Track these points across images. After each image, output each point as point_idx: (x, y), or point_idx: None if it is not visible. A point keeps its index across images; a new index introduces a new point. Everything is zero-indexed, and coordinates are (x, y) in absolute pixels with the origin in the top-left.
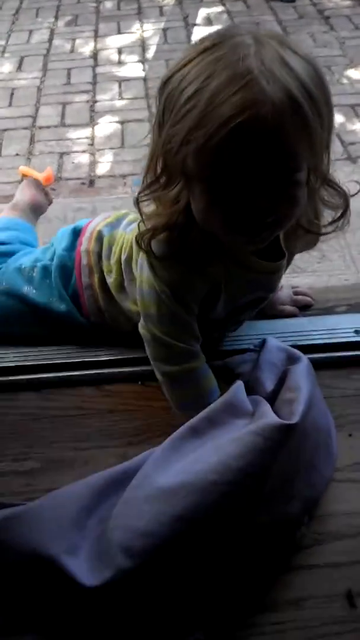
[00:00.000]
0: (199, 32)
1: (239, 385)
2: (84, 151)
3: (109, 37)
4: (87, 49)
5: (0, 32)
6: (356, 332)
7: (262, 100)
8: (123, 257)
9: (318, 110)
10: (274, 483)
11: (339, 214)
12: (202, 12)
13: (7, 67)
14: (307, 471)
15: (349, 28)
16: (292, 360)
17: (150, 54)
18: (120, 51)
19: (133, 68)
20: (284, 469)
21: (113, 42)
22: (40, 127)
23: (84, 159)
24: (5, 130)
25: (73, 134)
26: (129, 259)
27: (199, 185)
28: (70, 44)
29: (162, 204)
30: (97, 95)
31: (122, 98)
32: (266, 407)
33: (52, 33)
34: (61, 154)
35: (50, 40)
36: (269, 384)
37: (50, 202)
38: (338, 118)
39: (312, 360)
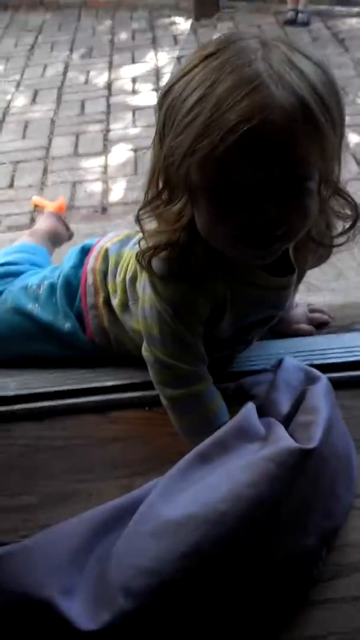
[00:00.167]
0: None
1: (250, 407)
2: (96, 179)
3: (123, 67)
4: (101, 79)
5: (15, 67)
6: None
7: (271, 105)
8: (128, 276)
9: (330, 115)
10: (289, 513)
11: (349, 225)
12: None
13: (22, 100)
14: (325, 500)
15: None
16: (310, 380)
17: (164, 82)
18: (134, 80)
19: (147, 96)
20: (300, 498)
21: (127, 72)
22: (54, 158)
23: (97, 187)
24: (18, 162)
25: (86, 163)
26: (134, 278)
27: (204, 197)
28: (84, 76)
29: (164, 220)
30: (110, 125)
31: (135, 126)
32: (281, 430)
33: (66, 66)
34: (74, 183)
35: (64, 72)
36: (285, 406)
37: (70, 236)
38: (353, 138)
39: (330, 380)
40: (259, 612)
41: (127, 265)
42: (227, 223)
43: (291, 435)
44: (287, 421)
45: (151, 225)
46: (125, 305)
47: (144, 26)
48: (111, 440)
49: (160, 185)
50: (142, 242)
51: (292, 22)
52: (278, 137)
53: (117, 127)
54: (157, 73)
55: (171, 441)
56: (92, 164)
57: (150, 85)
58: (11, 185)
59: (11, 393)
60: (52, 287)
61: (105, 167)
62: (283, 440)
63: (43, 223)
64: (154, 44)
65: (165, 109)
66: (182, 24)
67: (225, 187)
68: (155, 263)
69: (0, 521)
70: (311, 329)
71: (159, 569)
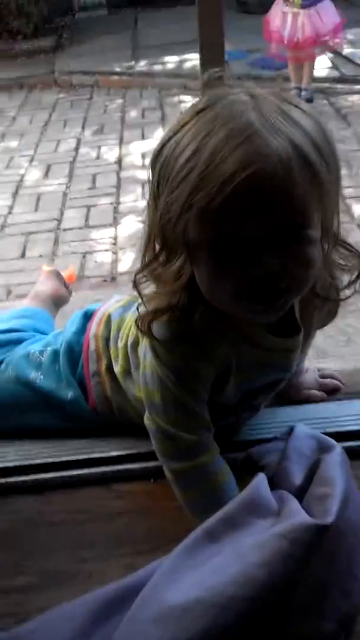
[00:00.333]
0: None
1: (260, 479)
2: (106, 250)
3: (133, 143)
4: (112, 155)
5: (29, 142)
6: None
7: (266, 154)
8: (129, 342)
9: (326, 162)
10: (304, 595)
11: (354, 276)
12: None
13: (35, 174)
14: (343, 580)
15: None
16: (323, 449)
17: None
18: (143, 156)
19: None
20: (316, 578)
21: (137, 147)
22: (65, 229)
23: (107, 257)
24: (30, 233)
25: (96, 234)
26: (136, 343)
27: (203, 253)
28: (96, 151)
29: (163, 282)
30: (120, 197)
31: (145, 199)
32: (294, 504)
33: (78, 142)
34: (84, 254)
35: (77, 148)
36: (298, 477)
37: (70, 294)
38: (357, 209)
39: (343, 449)
40: None
41: (129, 331)
42: (228, 278)
43: (305, 509)
44: (300, 493)
45: (150, 289)
46: (127, 372)
47: (154, 104)
48: (114, 515)
49: (157, 247)
50: (141, 307)
51: None
52: (275, 186)
53: (127, 200)
54: None
55: (177, 516)
56: (103, 235)
57: None
58: (22, 256)
59: (10, 464)
60: (55, 354)
61: (115, 238)
62: (297, 515)
63: (44, 285)
64: (163, 121)
65: (159, 168)
66: (190, 102)
67: (224, 241)
68: (156, 327)
69: None
70: (322, 395)
71: None
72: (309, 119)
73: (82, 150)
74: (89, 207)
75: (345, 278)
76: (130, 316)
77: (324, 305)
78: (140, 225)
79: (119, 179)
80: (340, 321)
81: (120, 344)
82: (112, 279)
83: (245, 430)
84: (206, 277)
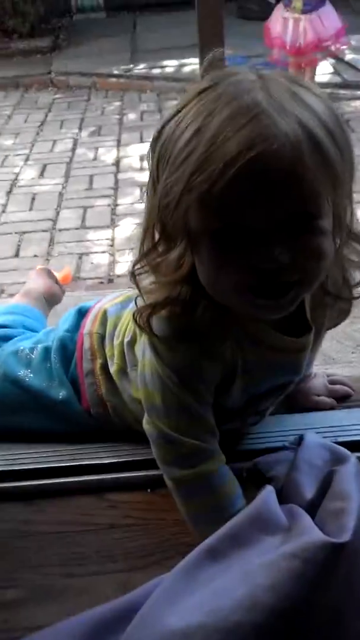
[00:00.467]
0: None
1: (268, 492)
2: (103, 252)
3: (131, 145)
4: (109, 156)
5: (24, 142)
6: None
7: (274, 134)
8: (126, 340)
9: (339, 148)
10: (319, 619)
11: None
12: None
13: (30, 173)
14: None
15: None
16: (337, 460)
17: None
18: (142, 158)
19: None
20: (331, 601)
21: (135, 150)
22: (60, 230)
23: (104, 259)
24: (24, 232)
25: (93, 235)
26: (133, 341)
27: (205, 241)
28: (93, 153)
29: (162, 272)
30: (118, 199)
31: (143, 201)
32: (306, 519)
33: (75, 143)
34: (80, 255)
35: (73, 149)
36: (309, 490)
37: (63, 292)
38: None
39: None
40: None
41: (126, 328)
42: (232, 270)
43: (318, 525)
44: (312, 508)
45: (149, 281)
46: (123, 372)
47: (152, 107)
48: (107, 527)
49: (157, 236)
50: (139, 301)
51: None
52: (283, 169)
53: (125, 202)
54: None
55: (177, 530)
56: (100, 237)
57: None
58: (16, 255)
59: None
60: (46, 351)
61: (113, 239)
62: (310, 532)
63: (35, 283)
64: None
65: (159, 149)
66: None
67: (227, 230)
68: (156, 323)
69: None
70: (332, 402)
71: None
72: (321, 103)
73: (79, 151)
74: (85, 208)
75: (359, 275)
76: (128, 312)
77: (336, 304)
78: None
79: (116, 180)
80: (349, 326)
81: (117, 342)
82: (109, 280)
83: (251, 439)
84: (208, 268)
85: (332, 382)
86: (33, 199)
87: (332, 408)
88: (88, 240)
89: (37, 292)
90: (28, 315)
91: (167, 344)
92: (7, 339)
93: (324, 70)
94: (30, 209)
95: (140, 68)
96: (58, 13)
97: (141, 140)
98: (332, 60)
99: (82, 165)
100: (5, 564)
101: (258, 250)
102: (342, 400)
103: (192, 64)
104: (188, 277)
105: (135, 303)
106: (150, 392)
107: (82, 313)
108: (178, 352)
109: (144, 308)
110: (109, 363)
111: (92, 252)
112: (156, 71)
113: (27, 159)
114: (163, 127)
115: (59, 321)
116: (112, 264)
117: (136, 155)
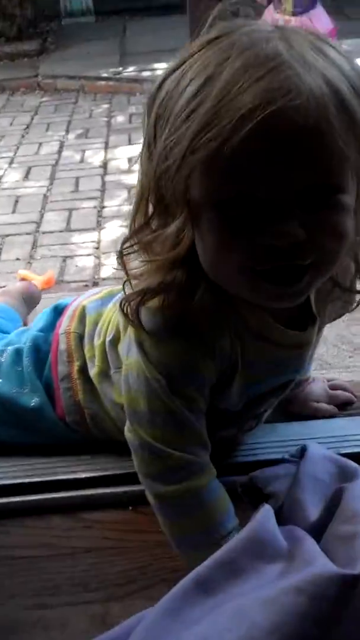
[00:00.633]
0: None
1: (266, 512)
2: (88, 254)
3: (119, 147)
4: (96, 159)
5: (9, 145)
6: None
7: (298, 88)
8: (108, 339)
9: None
10: None
11: None
12: None
13: (14, 176)
14: None
15: None
16: (346, 474)
17: None
18: (130, 160)
19: None
20: None
21: (123, 152)
22: (44, 233)
23: (89, 262)
24: (7, 236)
25: (78, 238)
26: (116, 340)
27: (209, 214)
28: (80, 155)
29: (156, 252)
30: (105, 202)
31: (130, 204)
32: (311, 545)
33: (61, 145)
34: (64, 258)
35: (59, 151)
36: (314, 509)
37: (40, 296)
38: None
39: None
40: None
41: (108, 326)
42: (239, 250)
43: (326, 552)
44: (318, 531)
45: (139, 264)
46: (105, 374)
47: (141, 110)
48: (83, 550)
49: (151, 209)
50: (127, 286)
51: None
52: (308, 128)
53: (112, 205)
54: None
55: (160, 553)
56: (85, 239)
57: None
58: None
59: None
60: (17, 354)
61: (98, 242)
62: (316, 561)
63: (14, 284)
64: None
65: (158, 106)
66: None
67: (237, 201)
68: (145, 315)
69: None
70: (333, 409)
71: None
72: (346, 61)
73: (65, 153)
74: (70, 211)
75: None
76: (110, 310)
77: (342, 296)
78: (125, 230)
79: (103, 182)
80: (345, 329)
81: (97, 342)
82: (94, 284)
83: (246, 449)
84: (211, 247)
85: (333, 388)
86: (16, 201)
87: (332, 416)
88: (73, 243)
89: (17, 291)
90: (1, 316)
91: (156, 339)
92: None
93: None
94: (14, 212)
95: (130, 71)
96: (47, 17)
97: (129, 143)
98: None
99: (69, 167)
100: None
101: (271, 225)
102: (343, 407)
103: None
104: (186, 257)
105: (124, 289)
106: (134, 396)
107: (58, 311)
108: (169, 348)
109: (133, 295)
110: (89, 365)
111: (76, 255)
112: (146, 74)
113: (11, 162)
114: (163, 80)
115: (34, 320)
116: (98, 266)
117: (124, 157)
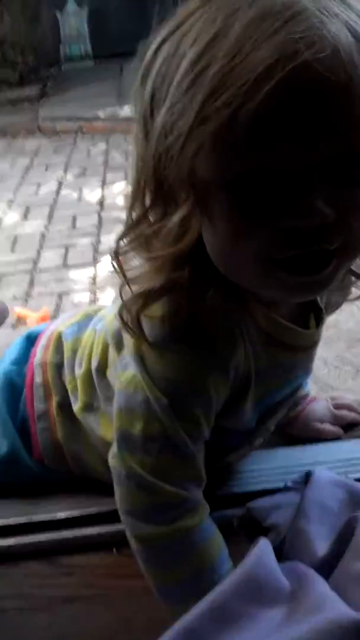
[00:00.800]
0: None
1: (263, 547)
2: (84, 290)
3: (115, 184)
4: (94, 196)
5: (9, 187)
6: None
7: (324, 38)
8: (94, 366)
9: None
10: None
11: None
12: None
13: (13, 217)
14: None
15: None
16: (357, 501)
17: None
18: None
19: None
20: None
21: (119, 188)
22: (41, 270)
23: (84, 297)
24: (4, 275)
25: (74, 274)
26: (102, 367)
27: (219, 196)
28: (77, 193)
29: (157, 247)
30: (101, 237)
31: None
32: (319, 584)
33: (60, 185)
34: (60, 294)
35: (58, 191)
36: (321, 543)
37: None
38: None
39: None
40: None
41: (90, 353)
42: (255, 236)
43: (337, 591)
44: (327, 567)
45: (137, 264)
46: (89, 407)
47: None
48: (62, 601)
49: (149, 198)
50: (125, 292)
51: None
52: (339, 84)
53: (108, 240)
54: None
55: (149, 602)
56: (81, 275)
57: None
58: None
59: None
60: None
61: (94, 277)
62: (328, 604)
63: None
64: None
65: (154, 78)
66: None
67: (253, 177)
68: (146, 323)
69: None
70: (338, 431)
71: None
72: None
73: (64, 192)
74: (67, 247)
75: None
76: (89, 334)
77: (350, 285)
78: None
79: (100, 218)
80: (347, 351)
81: (79, 372)
82: None
83: (243, 478)
84: (223, 235)
85: (338, 407)
86: (15, 241)
87: (337, 438)
88: (69, 280)
89: None
90: None
91: (160, 351)
92: None
93: None
94: (12, 251)
95: (127, 110)
96: (47, 63)
97: (126, 179)
98: None
99: (66, 206)
100: None
101: (295, 202)
102: (349, 428)
103: None
104: (192, 252)
105: (120, 296)
106: (126, 417)
107: (31, 340)
108: (174, 361)
109: (133, 300)
110: (71, 399)
111: (72, 291)
112: None
113: (11, 204)
114: (162, 43)
115: (4, 352)
116: (93, 302)
117: (120, 193)
